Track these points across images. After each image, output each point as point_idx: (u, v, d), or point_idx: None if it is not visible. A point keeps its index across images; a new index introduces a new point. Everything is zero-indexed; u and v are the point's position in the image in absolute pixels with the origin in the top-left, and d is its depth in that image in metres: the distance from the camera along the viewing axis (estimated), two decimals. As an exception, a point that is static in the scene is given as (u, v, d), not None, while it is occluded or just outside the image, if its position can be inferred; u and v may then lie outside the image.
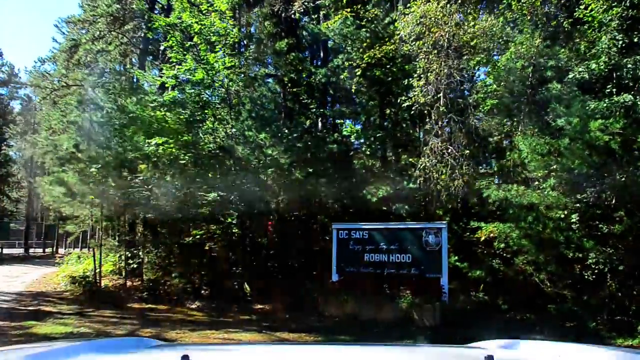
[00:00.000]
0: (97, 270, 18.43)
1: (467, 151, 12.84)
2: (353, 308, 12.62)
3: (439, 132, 13.40)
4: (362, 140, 15.29)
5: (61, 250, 48.15)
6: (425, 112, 13.31)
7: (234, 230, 15.70)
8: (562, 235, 11.31)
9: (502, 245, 13.29)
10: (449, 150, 13.27)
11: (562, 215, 11.33)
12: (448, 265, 12.63)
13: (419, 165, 13.26)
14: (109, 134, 17.76)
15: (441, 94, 12.93)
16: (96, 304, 14.78)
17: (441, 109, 12.86)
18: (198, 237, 15.36)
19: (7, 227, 49.96)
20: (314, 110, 16.13)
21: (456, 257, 13.52)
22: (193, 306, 14.56)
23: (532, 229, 11.87)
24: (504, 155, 13.45)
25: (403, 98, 13.69)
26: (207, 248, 15.22)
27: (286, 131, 15.96)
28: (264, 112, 15.98)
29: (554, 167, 11.73)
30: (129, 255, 18.23)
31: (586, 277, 11.19)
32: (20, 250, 46.86)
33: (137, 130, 17.70)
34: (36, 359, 2.42)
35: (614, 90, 11.27)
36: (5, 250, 41.46)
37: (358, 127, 14.63)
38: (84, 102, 18.02)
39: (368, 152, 15.21)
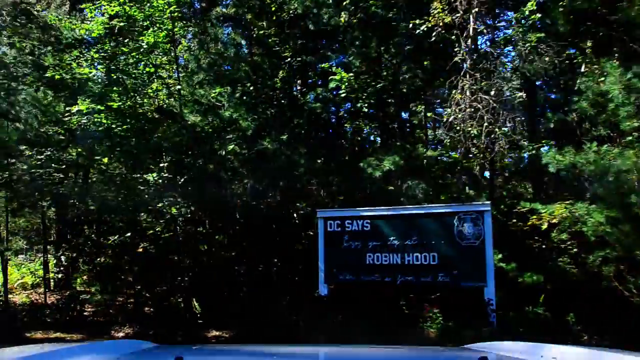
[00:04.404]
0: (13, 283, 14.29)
1: (521, 95, 8.49)
2: (351, 336, 8.29)
3: (471, 72, 9.06)
4: (360, 95, 10.65)
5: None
6: (453, 37, 8.97)
7: (181, 226, 11.25)
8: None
9: (564, 236, 9.11)
10: (486, 100, 8.93)
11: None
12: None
13: (445, 120, 8.94)
14: (21, 102, 13.28)
15: (475, 10, 8.61)
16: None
17: (471, 28, 8.52)
18: (129, 235, 10.87)
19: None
20: (289, 60, 11.70)
21: (500, 255, 9.22)
22: (120, 334, 10.15)
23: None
24: (565, 105, 9.16)
25: (417, 22, 9.30)
26: (141, 250, 10.72)
27: (251, 88, 11.57)
28: (219, 62, 11.57)
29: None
30: (56, 262, 13.89)
31: None
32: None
33: (56, 96, 13.30)
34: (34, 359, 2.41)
35: None
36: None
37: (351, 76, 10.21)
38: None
39: (365, 109, 10.78)
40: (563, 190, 9.72)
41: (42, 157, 11.24)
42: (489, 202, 8.47)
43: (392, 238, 8.70)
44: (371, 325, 8.28)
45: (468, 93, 9.17)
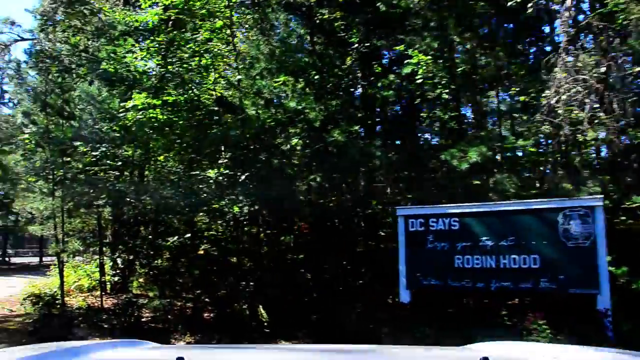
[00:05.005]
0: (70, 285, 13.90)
1: (638, 71, 7.30)
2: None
3: (570, 47, 7.91)
4: (439, 80, 9.47)
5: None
6: (553, 9, 7.86)
7: (242, 226, 10.45)
8: None
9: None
10: (590, 80, 7.76)
11: None
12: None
13: (543, 103, 7.83)
14: (76, 99, 12.86)
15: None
16: (41, 335, 9.86)
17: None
18: (189, 235, 10.14)
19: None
20: (356, 46, 10.79)
21: (608, 258, 8.03)
22: (181, 343, 9.43)
23: None
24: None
25: (510, -4, 8.19)
26: (201, 252, 9.98)
27: (316, 77, 10.70)
28: (281, 49, 10.76)
29: None
30: (112, 264, 13.37)
31: None
32: (36, 259, 42.32)
33: (110, 92, 12.77)
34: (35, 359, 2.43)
35: None
36: (19, 260, 40.06)
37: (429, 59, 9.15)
38: (38, 54, 13.04)
39: (445, 95, 9.68)
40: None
41: (97, 153, 10.68)
42: (601, 197, 7.30)
43: (484, 238, 7.65)
44: (464, 337, 7.26)
45: (566, 74, 8.02)
